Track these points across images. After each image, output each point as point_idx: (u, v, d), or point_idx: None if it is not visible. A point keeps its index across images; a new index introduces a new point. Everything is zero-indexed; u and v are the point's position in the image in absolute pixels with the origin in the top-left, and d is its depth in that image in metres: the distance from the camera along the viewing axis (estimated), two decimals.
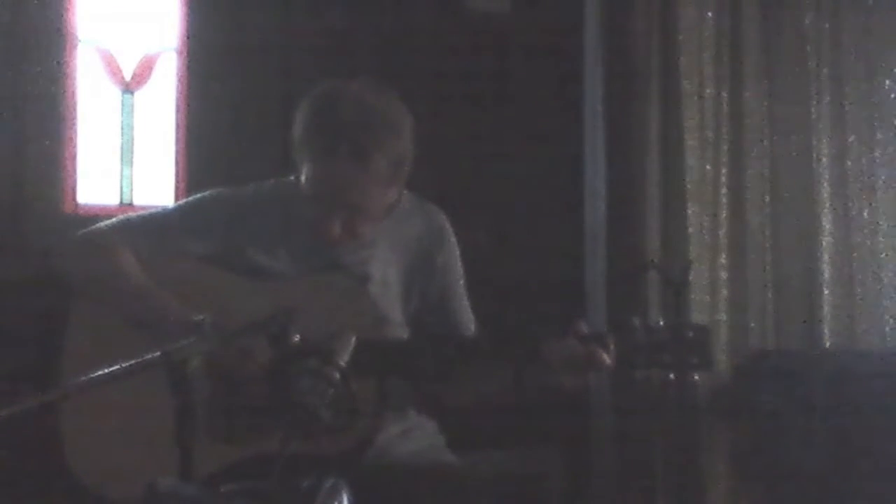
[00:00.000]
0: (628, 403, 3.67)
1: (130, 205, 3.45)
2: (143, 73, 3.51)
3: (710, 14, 3.83)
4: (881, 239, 3.93)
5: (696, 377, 3.68)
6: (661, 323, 2.15)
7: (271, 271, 2.24)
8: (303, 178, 2.19)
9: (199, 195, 2.34)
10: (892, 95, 3.97)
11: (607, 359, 2.07)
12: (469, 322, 2.38)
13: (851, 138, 3.93)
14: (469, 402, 2.31)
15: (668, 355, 2.13)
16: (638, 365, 2.14)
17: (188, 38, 3.50)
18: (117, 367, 1.52)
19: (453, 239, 2.37)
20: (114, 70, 3.48)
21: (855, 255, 3.91)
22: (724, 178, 3.84)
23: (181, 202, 2.47)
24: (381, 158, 2.15)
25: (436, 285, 2.33)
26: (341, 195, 2.16)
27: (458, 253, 2.38)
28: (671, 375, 2.24)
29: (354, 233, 2.21)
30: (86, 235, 2.27)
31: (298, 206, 2.25)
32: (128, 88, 3.50)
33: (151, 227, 2.27)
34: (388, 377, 2.17)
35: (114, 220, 2.30)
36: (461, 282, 2.38)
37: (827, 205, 3.90)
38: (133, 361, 1.54)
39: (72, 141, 3.35)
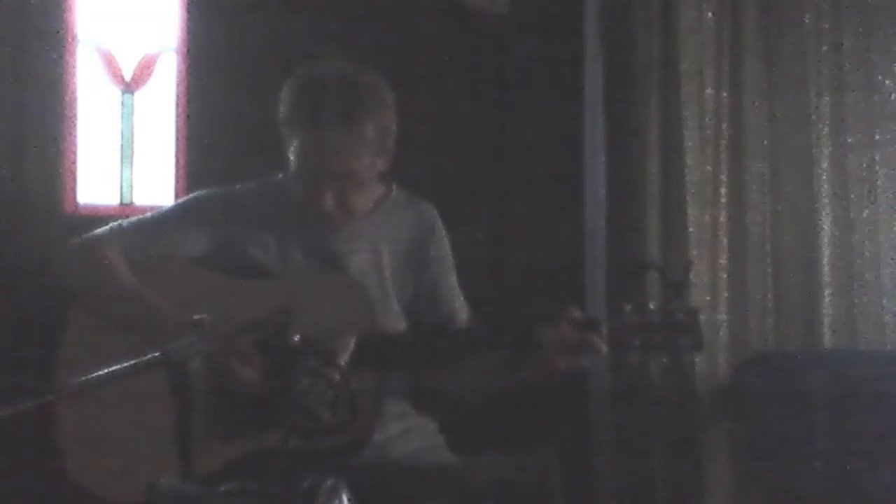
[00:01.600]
0: (626, 398, 3.66)
1: (130, 205, 3.45)
2: (143, 73, 3.51)
3: (710, 14, 3.83)
4: (881, 239, 3.93)
5: (696, 376, 3.68)
6: (652, 306, 2.17)
7: (265, 266, 2.25)
8: (291, 155, 2.20)
9: (189, 196, 2.37)
10: (892, 95, 3.96)
11: (601, 343, 2.09)
12: (463, 313, 2.38)
13: (851, 138, 3.93)
14: (467, 393, 2.32)
15: (659, 337, 2.14)
16: (630, 347, 2.15)
17: (188, 38, 3.50)
18: (117, 367, 1.52)
19: (444, 231, 2.39)
20: (114, 70, 3.48)
21: (855, 255, 3.91)
22: (724, 178, 3.84)
23: (173, 204, 2.49)
24: (367, 123, 2.18)
25: (428, 277, 2.35)
26: (331, 163, 2.18)
27: (448, 245, 2.40)
28: (664, 359, 2.26)
29: (346, 205, 2.23)
30: (79, 243, 2.27)
31: (288, 201, 2.27)
32: (128, 88, 3.50)
33: (145, 229, 2.28)
34: (387, 370, 2.17)
35: (107, 226, 2.30)
36: (453, 273, 2.39)
37: (827, 205, 3.89)
38: (133, 361, 1.54)
39: (72, 141, 3.35)
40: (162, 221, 2.31)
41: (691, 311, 2.19)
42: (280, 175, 2.32)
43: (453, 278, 2.40)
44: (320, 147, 2.17)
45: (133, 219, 2.33)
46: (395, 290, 2.32)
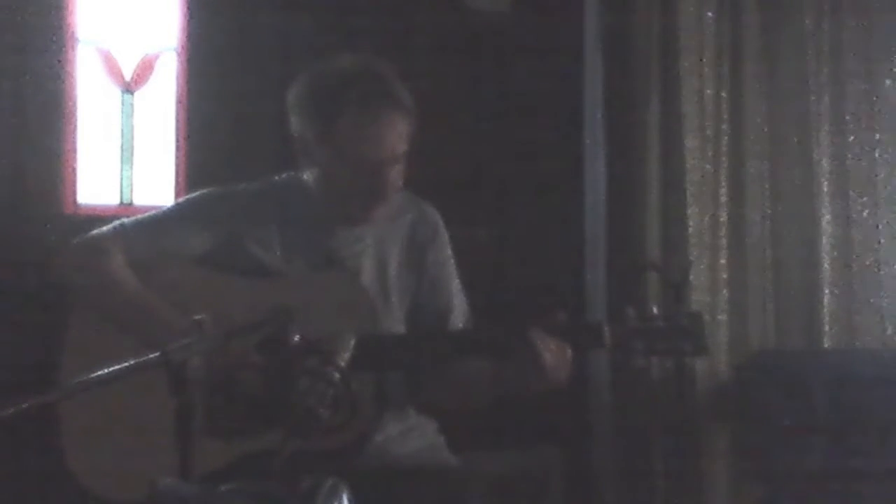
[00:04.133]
0: (627, 400, 3.67)
1: (130, 205, 3.45)
2: (143, 73, 3.51)
3: (710, 14, 3.83)
4: (881, 239, 3.93)
5: (696, 375, 3.68)
6: (656, 311, 2.15)
7: (268, 265, 2.25)
8: (339, 149, 2.18)
9: (192, 195, 2.36)
10: (893, 95, 3.96)
11: (564, 354, 2.07)
12: (463, 316, 2.38)
13: (851, 138, 3.93)
14: (449, 400, 2.32)
15: (662, 342, 2.13)
16: (633, 352, 2.14)
17: (188, 38, 3.50)
18: (117, 367, 1.52)
19: (445, 234, 2.39)
20: (114, 70, 3.48)
21: (855, 255, 3.91)
22: (724, 178, 3.84)
23: (176, 203, 2.49)
24: (408, 101, 2.21)
25: (428, 279, 2.35)
26: (393, 146, 2.19)
27: (449, 248, 2.39)
28: (668, 363, 2.26)
29: (396, 189, 2.24)
30: (81, 242, 2.27)
31: (294, 201, 2.27)
32: (128, 88, 3.50)
33: (146, 228, 2.28)
34: (387, 373, 2.17)
35: (109, 225, 2.30)
36: (454, 276, 2.39)
37: (827, 205, 3.89)
38: (133, 361, 1.54)
39: (72, 141, 3.35)
40: (165, 220, 2.31)
41: (695, 315, 2.18)
42: (284, 175, 2.33)
43: (455, 281, 2.39)
44: (383, 129, 2.17)
45: (135, 218, 2.33)
46: (398, 291, 2.32)
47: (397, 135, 2.19)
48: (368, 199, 2.24)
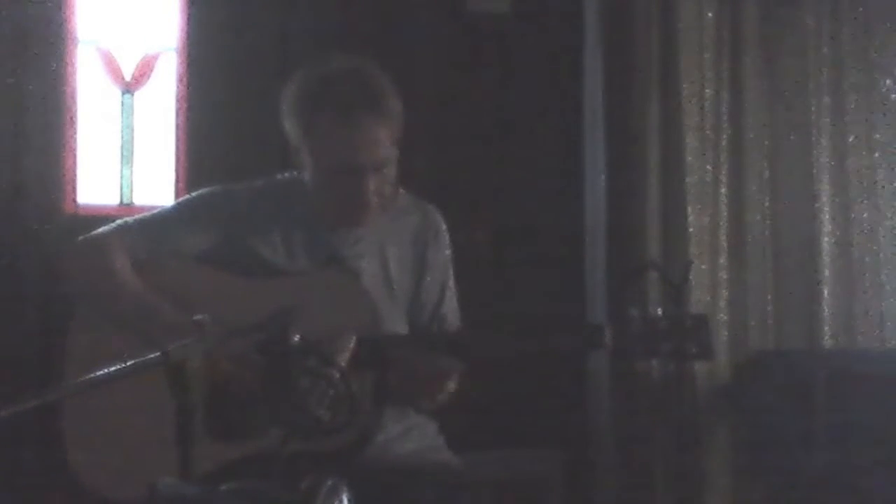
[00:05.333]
0: (628, 400, 3.67)
1: (130, 205, 3.46)
2: (143, 73, 3.51)
3: (710, 14, 3.83)
4: (881, 239, 3.93)
5: (696, 376, 3.68)
6: (660, 313, 2.14)
7: (271, 264, 2.25)
8: (318, 153, 2.17)
9: (195, 194, 2.36)
10: (893, 95, 3.96)
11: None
12: (455, 319, 2.38)
13: (851, 138, 3.93)
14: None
15: (666, 345, 2.12)
16: (636, 354, 2.13)
17: (188, 38, 3.50)
18: (117, 367, 1.52)
19: (446, 236, 2.39)
20: (114, 70, 3.48)
21: (855, 255, 3.91)
22: (724, 178, 3.84)
23: (179, 201, 2.48)
24: (393, 108, 2.18)
25: (426, 280, 2.35)
26: (372, 153, 2.15)
27: (448, 249, 2.39)
28: (670, 366, 2.25)
29: (383, 197, 2.21)
30: (84, 241, 2.27)
31: (296, 200, 2.27)
32: (128, 88, 3.50)
33: (149, 226, 2.28)
34: (387, 371, 2.17)
35: (112, 224, 2.30)
36: (450, 278, 2.39)
37: (827, 205, 3.89)
38: (133, 361, 1.54)
39: (72, 141, 3.35)
40: (168, 219, 2.31)
41: (700, 318, 2.16)
42: (286, 175, 2.33)
43: (450, 283, 2.40)
44: (360, 138, 2.15)
45: (138, 217, 2.33)
46: (399, 291, 2.32)
47: (376, 141, 2.15)
48: (350, 206, 2.22)
